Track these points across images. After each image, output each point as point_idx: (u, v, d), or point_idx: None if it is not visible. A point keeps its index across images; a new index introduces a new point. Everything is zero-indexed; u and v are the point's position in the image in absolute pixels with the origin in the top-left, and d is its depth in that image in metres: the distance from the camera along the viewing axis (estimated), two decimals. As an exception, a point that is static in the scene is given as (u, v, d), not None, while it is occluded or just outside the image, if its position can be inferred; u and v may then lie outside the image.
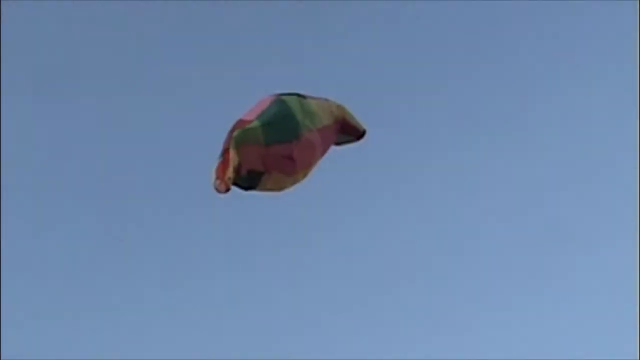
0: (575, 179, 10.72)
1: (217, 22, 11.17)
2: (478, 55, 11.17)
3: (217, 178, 4.58)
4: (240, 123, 4.70)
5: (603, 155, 10.73)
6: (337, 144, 5.17)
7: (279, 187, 4.81)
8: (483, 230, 10.61)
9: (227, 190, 4.55)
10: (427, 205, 10.76)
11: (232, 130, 4.68)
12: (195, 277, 10.33)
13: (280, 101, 4.82)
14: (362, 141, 5.21)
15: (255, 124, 4.68)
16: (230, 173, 4.54)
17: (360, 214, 10.66)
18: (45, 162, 10.75)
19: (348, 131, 5.18)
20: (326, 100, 5.07)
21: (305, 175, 4.87)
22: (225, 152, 4.64)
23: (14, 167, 10.19)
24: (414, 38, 11.25)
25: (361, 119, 5.12)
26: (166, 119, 10.94)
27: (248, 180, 4.69)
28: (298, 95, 4.92)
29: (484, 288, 10.26)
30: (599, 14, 11.09)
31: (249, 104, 4.92)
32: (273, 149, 4.66)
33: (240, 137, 4.64)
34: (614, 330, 9.50)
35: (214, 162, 4.64)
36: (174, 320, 10.12)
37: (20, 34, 10.74)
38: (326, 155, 4.92)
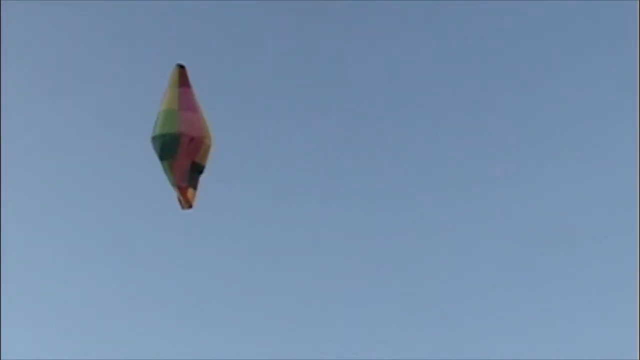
0: (575, 179, 10.76)
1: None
2: (478, 54, 11.22)
3: (183, 203, 6.64)
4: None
5: (603, 155, 10.77)
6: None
7: (208, 152, 6.61)
8: (482, 229, 10.64)
9: (191, 206, 6.66)
10: (427, 204, 10.79)
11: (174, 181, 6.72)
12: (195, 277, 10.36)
13: (157, 144, 6.57)
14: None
15: (162, 164, 6.59)
16: (188, 195, 6.61)
17: (359, 214, 10.69)
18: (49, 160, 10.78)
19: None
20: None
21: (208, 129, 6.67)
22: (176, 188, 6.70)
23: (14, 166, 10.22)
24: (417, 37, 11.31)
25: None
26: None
27: (197, 172, 6.59)
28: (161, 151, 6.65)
29: (484, 288, 10.29)
30: (599, 14, 11.13)
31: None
32: (181, 153, 6.53)
33: (168, 177, 6.62)
34: (614, 330, 9.52)
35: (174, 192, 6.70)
36: (174, 320, 10.14)
37: (20, 34, 10.78)
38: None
